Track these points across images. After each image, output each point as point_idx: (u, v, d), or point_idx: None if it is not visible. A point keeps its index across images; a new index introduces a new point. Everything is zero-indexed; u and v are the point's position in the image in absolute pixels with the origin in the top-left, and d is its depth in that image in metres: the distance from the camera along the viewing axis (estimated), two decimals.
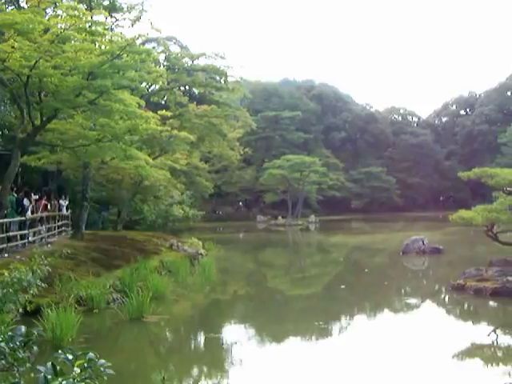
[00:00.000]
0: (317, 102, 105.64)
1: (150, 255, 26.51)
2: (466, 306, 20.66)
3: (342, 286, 24.82)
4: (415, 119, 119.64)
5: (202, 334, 17.07)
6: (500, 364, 13.22)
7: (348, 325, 18.33)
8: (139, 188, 35.83)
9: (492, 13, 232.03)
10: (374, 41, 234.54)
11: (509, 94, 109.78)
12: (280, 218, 75.80)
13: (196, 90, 47.89)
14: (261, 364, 13.24)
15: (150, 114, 24.73)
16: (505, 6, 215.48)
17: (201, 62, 37.27)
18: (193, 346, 15.99)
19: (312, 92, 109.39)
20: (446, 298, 22.19)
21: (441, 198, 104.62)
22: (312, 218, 75.82)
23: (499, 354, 14.32)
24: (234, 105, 43.50)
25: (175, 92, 37.11)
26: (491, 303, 20.06)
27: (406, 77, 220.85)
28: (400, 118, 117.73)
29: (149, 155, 30.12)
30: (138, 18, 30.52)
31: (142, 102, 23.56)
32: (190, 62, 37.60)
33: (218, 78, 39.75)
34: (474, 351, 14.23)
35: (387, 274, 28.87)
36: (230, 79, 37.06)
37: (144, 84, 31.77)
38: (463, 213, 21.93)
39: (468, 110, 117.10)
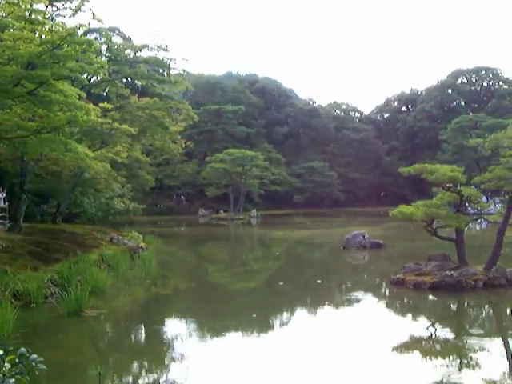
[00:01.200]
0: (260, 96, 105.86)
1: (90, 249, 26.15)
2: (405, 300, 20.91)
3: (281, 283, 24.83)
4: (357, 115, 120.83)
5: (142, 328, 16.89)
6: (438, 357, 13.38)
7: (289, 319, 18.37)
8: (79, 180, 35.32)
9: (434, 11, 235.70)
10: (317, 36, 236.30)
11: (449, 91, 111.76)
12: (222, 212, 75.78)
13: (138, 83, 47.43)
14: (201, 358, 13.14)
15: (91, 105, 24.32)
16: (447, 5, 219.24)
17: (144, 53, 36.80)
18: (133, 340, 15.78)
19: (255, 86, 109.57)
20: (386, 292, 22.44)
21: (382, 194, 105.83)
22: (254, 212, 75.91)
23: (437, 346, 14.51)
24: (176, 98, 43.11)
25: (117, 84, 36.66)
26: (430, 297, 20.37)
27: (349, 72, 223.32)
28: (342, 114, 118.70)
29: (89, 147, 29.67)
30: (80, 8, 29.88)
31: (83, 94, 23.18)
32: (133, 54, 37.11)
33: (160, 70, 39.38)
34: (412, 344, 14.40)
35: (328, 269, 29.06)
36: (172, 72, 36.72)
37: (85, 75, 31.20)
38: (403, 208, 22.12)
39: (410, 106, 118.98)
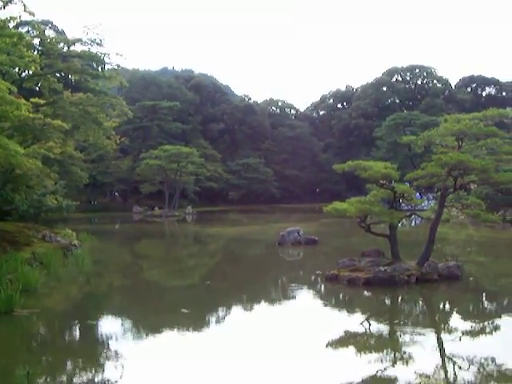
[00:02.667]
0: (195, 92, 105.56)
1: (21, 247, 25.55)
2: (339, 295, 21.06)
3: (208, 282, 24.76)
4: (293, 112, 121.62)
5: (75, 327, 16.59)
6: (372, 351, 13.51)
7: (224, 316, 18.30)
8: (10, 177, 34.51)
9: (370, 10, 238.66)
10: (253, 33, 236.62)
11: (384, 89, 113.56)
12: (157, 208, 75.17)
13: (72, 77, 46.67)
14: (136, 356, 12.99)
15: (22, 100, 23.81)
16: (382, 4, 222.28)
17: (77, 48, 36.23)
18: (66, 339, 15.48)
19: (191, 82, 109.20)
20: (321, 288, 22.58)
21: (317, 190, 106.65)
22: (189, 209, 75.58)
23: (372, 341, 14.64)
24: (110, 93, 42.60)
25: (50, 78, 36.00)
26: (364, 292, 20.58)
27: (285, 69, 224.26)
28: (278, 110, 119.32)
29: (21, 143, 29.05)
30: (10, 0, 29.25)
31: (14, 88, 22.63)
32: (66, 48, 36.50)
33: (94, 65, 38.85)
34: (347, 340, 14.51)
35: (263, 265, 29.11)
36: (106, 67, 36.28)
37: (16, 69, 30.55)
38: (337, 204, 22.27)
39: (345, 103, 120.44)
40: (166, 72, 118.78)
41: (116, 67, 37.83)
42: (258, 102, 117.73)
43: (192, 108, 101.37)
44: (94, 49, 34.77)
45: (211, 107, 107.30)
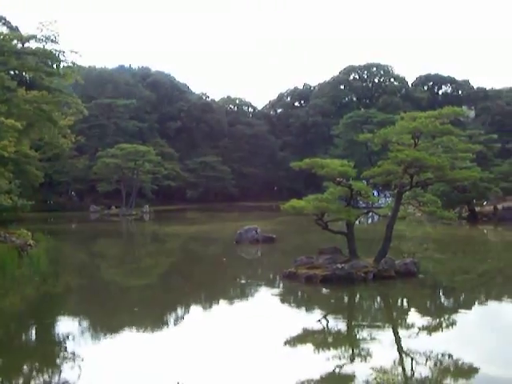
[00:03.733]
0: (152, 90, 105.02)
1: None
2: (297, 293, 21.13)
3: (176, 276, 24.66)
4: (251, 110, 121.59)
5: (32, 328, 16.37)
6: (330, 348, 13.57)
7: (183, 315, 18.24)
8: None
9: (326, 8, 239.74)
10: (210, 30, 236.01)
11: (342, 87, 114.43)
12: (114, 207, 74.70)
13: (26, 75, 45.96)
14: (93, 356, 12.85)
15: None
16: (338, 2, 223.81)
17: (32, 45, 35.62)
18: (22, 341, 15.27)
19: (148, 80, 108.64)
20: (279, 286, 22.59)
21: (275, 188, 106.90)
22: (146, 207, 75.26)
23: (329, 339, 14.71)
24: (66, 91, 42.06)
25: (3, 76, 35.35)
26: (321, 290, 20.65)
27: (242, 67, 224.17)
28: (236, 109, 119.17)
29: None
30: None
31: None
32: (20, 45, 35.89)
33: (49, 62, 38.26)
34: (305, 337, 14.55)
35: (221, 264, 29.02)
36: (62, 64, 35.77)
37: None
38: (294, 202, 22.33)
39: (302, 101, 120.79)
40: (123, 69, 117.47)
41: (71, 65, 37.32)
42: (216, 99, 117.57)
43: (149, 106, 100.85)
44: (49, 46, 34.24)
45: (168, 105, 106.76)
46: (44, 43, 34.32)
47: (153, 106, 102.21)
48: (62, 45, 37.34)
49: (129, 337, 14.95)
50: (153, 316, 17.32)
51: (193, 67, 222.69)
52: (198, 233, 44.84)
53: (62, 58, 34.54)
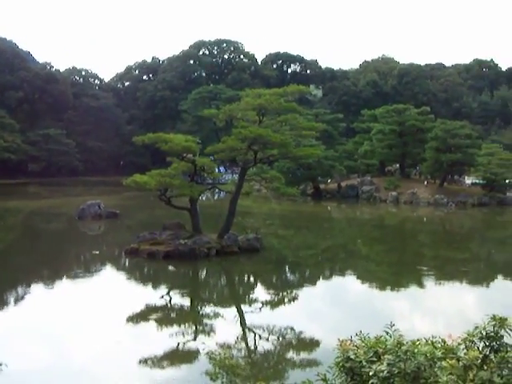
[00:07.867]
0: None
1: None
2: (140, 270, 20.95)
3: (16, 253, 23.70)
4: (97, 82, 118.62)
5: None
6: (174, 325, 13.51)
7: (23, 294, 17.49)
8: None
9: None
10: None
11: (191, 62, 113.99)
12: None
13: None
14: None
15: None
16: None
17: None
18: None
19: None
20: (121, 263, 22.24)
21: (121, 163, 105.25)
22: None
23: (173, 315, 14.64)
24: None
25: None
26: (164, 266, 20.58)
27: (89, 37, 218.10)
28: (81, 80, 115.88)
29: None
30: None
31: None
32: None
33: None
34: (148, 314, 14.38)
35: (63, 240, 28.20)
36: None
37: None
38: (137, 177, 21.96)
39: (151, 75, 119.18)
40: None
41: None
42: (61, 70, 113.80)
43: None
44: None
45: (9, 74, 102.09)
46: None
47: None
48: None
49: None
50: None
51: (37, 34, 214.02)
52: (39, 208, 43.29)
53: None
